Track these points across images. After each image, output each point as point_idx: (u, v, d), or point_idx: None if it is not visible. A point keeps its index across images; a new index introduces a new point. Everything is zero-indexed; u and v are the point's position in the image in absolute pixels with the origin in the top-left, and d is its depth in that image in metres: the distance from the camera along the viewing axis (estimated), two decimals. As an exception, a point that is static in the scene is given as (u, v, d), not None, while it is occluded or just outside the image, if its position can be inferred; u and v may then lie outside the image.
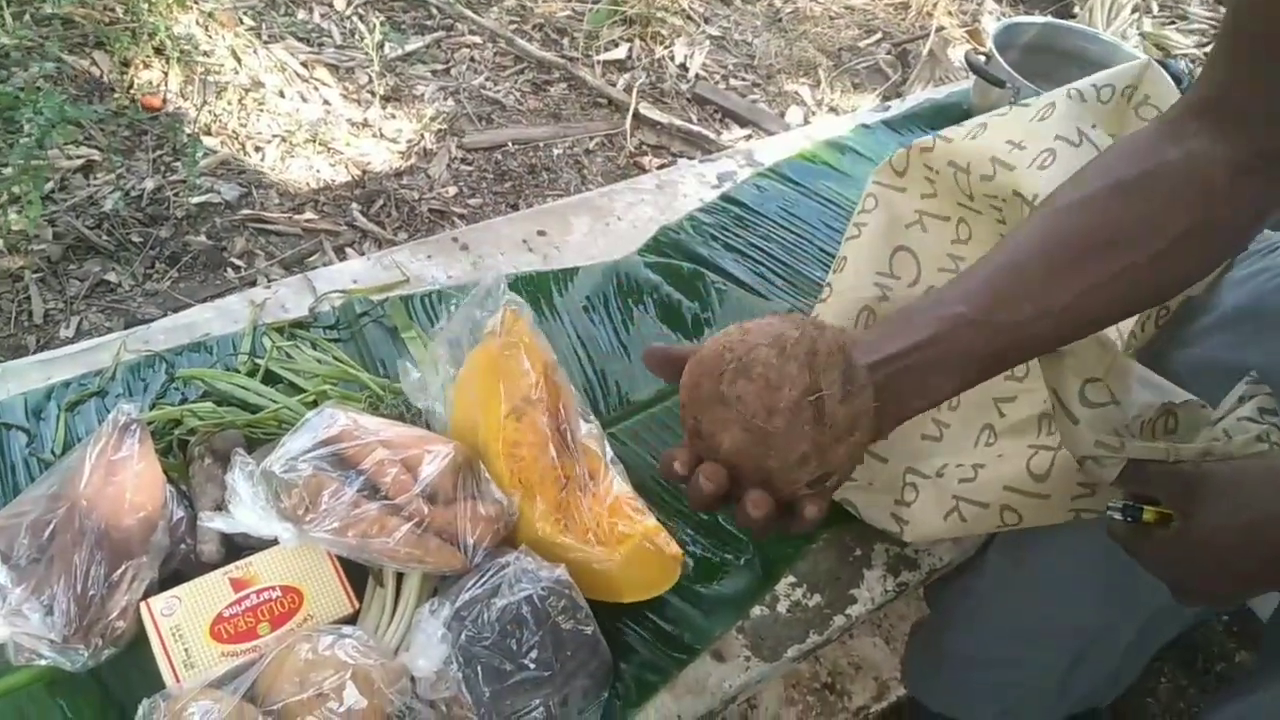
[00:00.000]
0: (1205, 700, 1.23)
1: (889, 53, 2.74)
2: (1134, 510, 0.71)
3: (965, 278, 0.66)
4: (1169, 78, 0.98)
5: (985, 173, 0.94)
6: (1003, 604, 1.05)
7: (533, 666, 0.79)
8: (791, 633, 0.95)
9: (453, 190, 2.06)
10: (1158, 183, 0.64)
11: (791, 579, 0.98)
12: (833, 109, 2.56)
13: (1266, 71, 0.62)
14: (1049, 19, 1.62)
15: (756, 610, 0.95)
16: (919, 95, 1.60)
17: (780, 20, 2.76)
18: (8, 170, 1.64)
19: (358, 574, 0.85)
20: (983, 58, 1.44)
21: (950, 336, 0.63)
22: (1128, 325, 1.03)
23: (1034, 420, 0.88)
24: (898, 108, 1.54)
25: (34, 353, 1.56)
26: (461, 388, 0.88)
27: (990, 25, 2.89)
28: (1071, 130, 0.93)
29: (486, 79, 2.31)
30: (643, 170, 2.20)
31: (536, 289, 1.15)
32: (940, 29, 2.74)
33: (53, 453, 0.91)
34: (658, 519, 0.89)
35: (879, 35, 2.79)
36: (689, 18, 2.65)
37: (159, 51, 2.01)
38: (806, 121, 2.48)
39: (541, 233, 1.22)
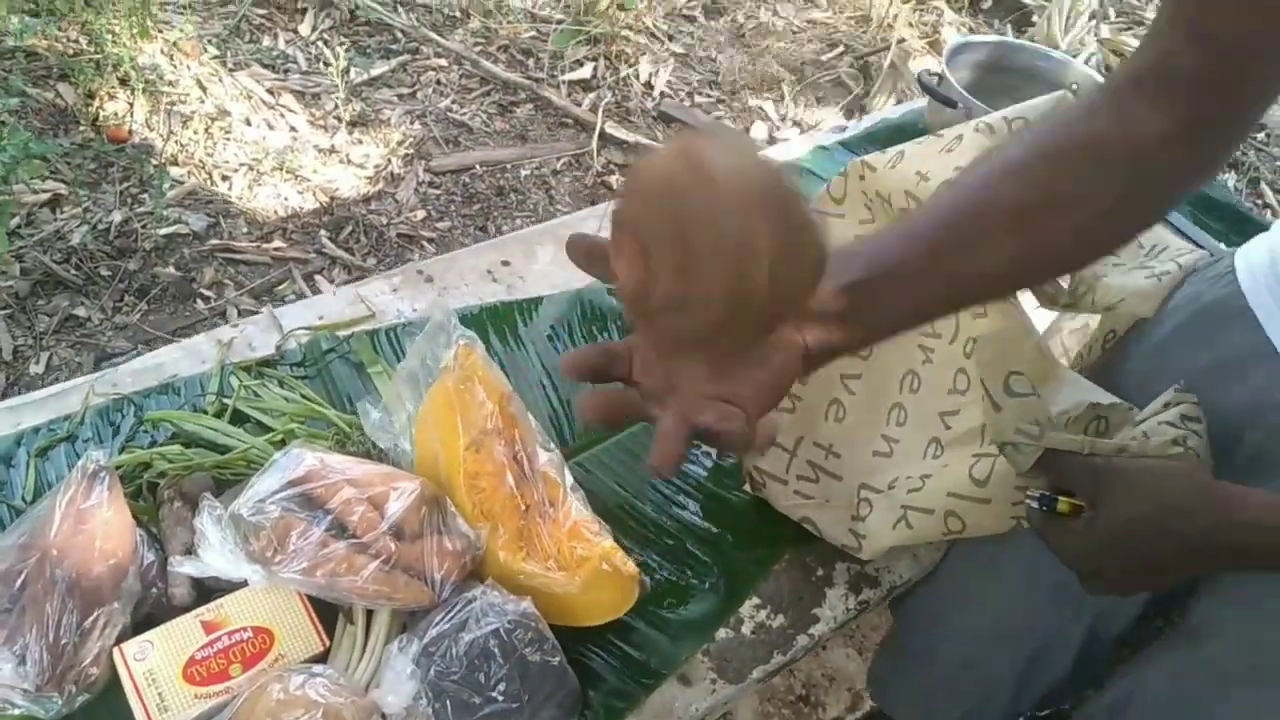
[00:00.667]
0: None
1: (851, 66, 2.78)
2: (1049, 500, 0.75)
3: (900, 223, 0.68)
4: None
5: (901, 205, 0.97)
6: (958, 607, 1.08)
7: (501, 699, 0.80)
8: (756, 654, 0.97)
9: (421, 214, 2.08)
10: (1088, 151, 0.65)
11: (756, 600, 1.00)
12: (797, 123, 2.59)
13: (1202, 39, 0.63)
14: (1002, 38, 1.66)
15: (722, 633, 0.97)
16: (875, 116, 1.63)
17: (743, 36, 2.80)
18: (-27, 207, 1.64)
19: (329, 612, 0.87)
20: (935, 78, 1.47)
21: (886, 281, 0.61)
22: (1074, 346, 1.06)
23: (976, 431, 0.91)
24: (854, 129, 1.57)
25: (3, 389, 1.57)
26: (423, 424, 0.90)
27: (950, 37, 2.94)
28: None
29: (453, 101, 2.33)
30: (610, 189, 2.22)
31: (501, 319, 1.17)
32: (901, 41, 2.78)
33: (24, 499, 0.92)
34: (616, 540, 0.92)
35: (841, 49, 2.83)
36: (653, 35, 2.68)
37: (124, 82, 2.01)
38: (771, 137, 2.51)
39: (505, 262, 1.24)
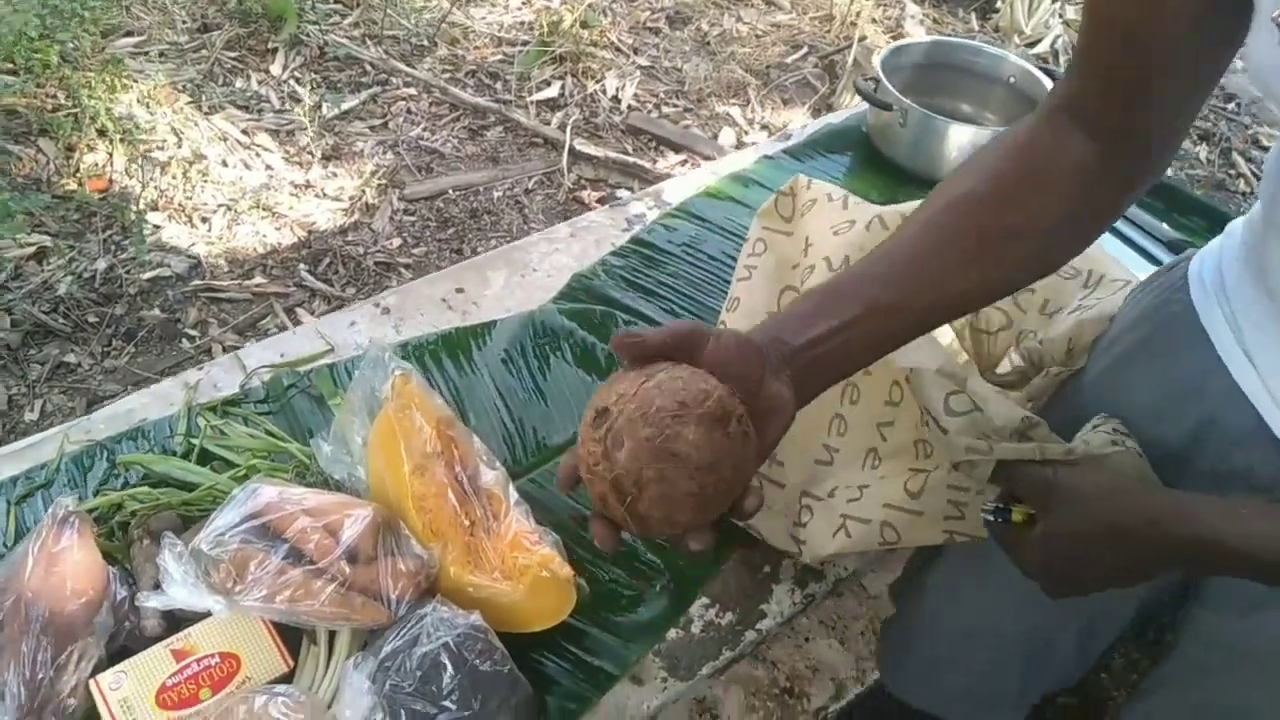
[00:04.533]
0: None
1: (816, 66, 2.82)
2: (1004, 512, 0.77)
3: (872, 264, 0.73)
4: None
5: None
6: (957, 607, 1.11)
7: (454, 707, 0.86)
8: (706, 651, 1.02)
9: (397, 241, 2.14)
10: (1038, 174, 0.71)
11: (705, 600, 1.05)
12: (764, 127, 2.64)
13: (1096, 73, 0.70)
14: (939, 37, 1.70)
15: (672, 632, 1.02)
16: (817, 122, 1.68)
17: (708, 44, 2.85)
18: (-40, 266, 1.71)
19: (294, 634, 0.92)
20: (872, 84, 1.52)
21: (868, 319, 0.69)
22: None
23: (910, 445, 0.96)
24: (797, 136, 1.62)
25: (0, 440, 1.64)
26: (372, 452, 0.96)
27: (885, 45, 2.98)
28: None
29: (424, 129, 2.39)
30: (583, 205, 2.28)
31: (456, 346, 1.22)
32: (863, 38, 2.83)
33: (4, 545, 0.98)
34: (568, 549, 0.97)
35: (805, 50, 2.88)
36: (618, 50, 2.73)
37: (102, 134, 2.08)
38: (739, 142, 2.56)
39: (460, 290, 1.30)
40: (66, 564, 0.87)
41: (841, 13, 2.96)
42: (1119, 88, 0.69)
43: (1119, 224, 1.51)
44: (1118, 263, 1.09)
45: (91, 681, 0.85)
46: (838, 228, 1.06)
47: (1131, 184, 0.74)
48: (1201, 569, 0.79)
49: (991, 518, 0.78)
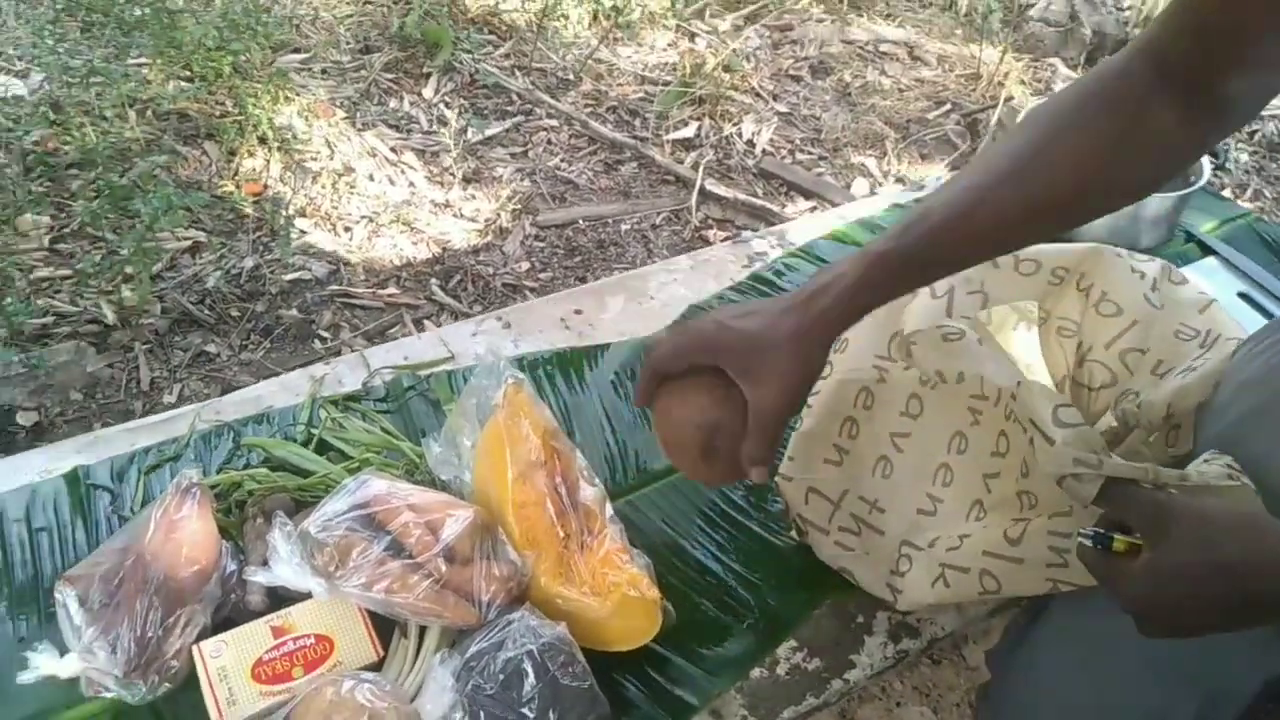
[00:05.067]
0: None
1: (958, 123, 2.79)
2: (1105, 538, 0.72)
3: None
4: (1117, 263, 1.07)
5: None
6: (1058, 679, 1.06)
7: (531, 715, 0.86)
8: (789, 694, 1.00)
9: (525, 265, 2.19)
10: (1126, 136, 0.76)
11: (793, 643, 1.03)
12: (900, 180, 2.61)
13: (1194, 29, 0.71)
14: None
15: (756, 672, 1.01)
16: (953, 175, 1.65)
17: (849, 95, 2.84)
18: (123, 252, 1.83)
19: (387, 626, 0.95)
20: (1012, 139, 1.49)
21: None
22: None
23: (1014, 497, 0.93)
24: (931, 186, 1.60)
25: (140, 417, 1.74)
26: (479, 456, 0.98)
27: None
28: None
29: (561, 160, 2.45)
30: (707, 243, 2.29)
31: (569, 364, 1.25)
32: (1010, 99, 2.78)
33: (132, 511, 1.04)
34: (659, 577, 0.97)
35: (948, 106, 2.84)
36: (758, 95, 2.76)
37: (262, 141, 2.21)
38: (872, 193, 2.54)
39: (578, 311, 1.32)
40: (185, 532, 0.92)
41: (989, 72, 2.92)
42: (1211, 45, 0.70)
43: (1238, 282, 1.46)
44: (1238, 323, 1.04)
45: (194, 647, 0.89)
46: None
47: (1203, 142, 0.78)
48: None
49: (1089, 543, 0.73)
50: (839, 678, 1.02)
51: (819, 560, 1.07)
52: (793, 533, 1.10)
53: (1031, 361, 1.10)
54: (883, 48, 3.10)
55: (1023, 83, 2.95)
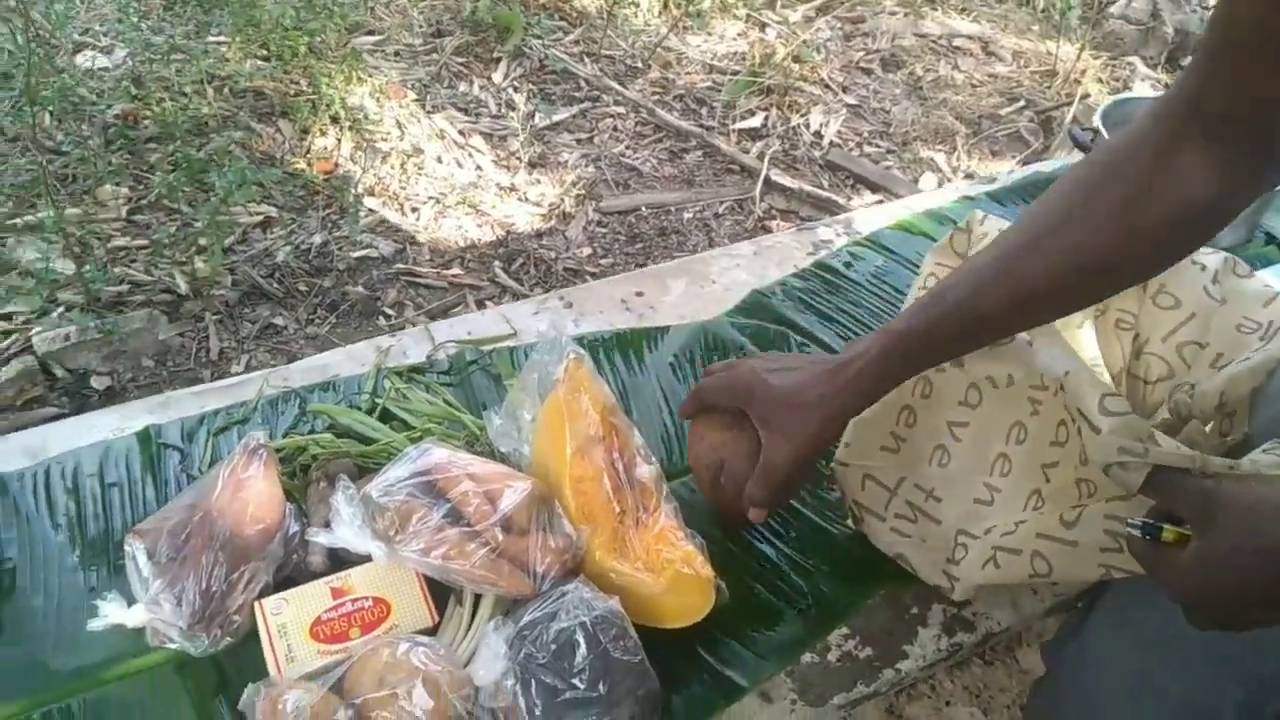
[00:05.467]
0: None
1: (1031, 120, 2.74)
2: (1153, 529, 0.71)
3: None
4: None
5: None
6: (1108, 666, 1.05)
7: (582, 687, 0.87)
8: (840, 681, 0.99)
9: (587, 250, 2.20)
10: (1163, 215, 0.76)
11: (845, 630, 1.03)
12: (969, 175, 2.57)
13: (1240, 90, 0.69)
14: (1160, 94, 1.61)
15: (807, 656, 1.00)
16: (1026, 169, 1.62)
17: (920, 89, 2.81)
18: (197, 224, 1.88)
19: (442, 592, 0.96)
20: (1090, 134, 1.46)
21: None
22: None
23: (1073, 484, 0.91)
24: (1003, 180, 1.57)
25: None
26: (539, 430, 0.99)
27: (1142, 92, 2.84)
28: None
29: (626, 147, 2.46)
30: (769, 233, 2.28)
31: (629, 345, 1.25)
32: (1086, 96, 2.72)
33: (200, 470, 1.07)
34: (711, 558, 0.97)
35: (1022, 103, 2.79)
36: (827, 87, 2.73)
37: (334, 120, 2.25)
38: (940, 187, 2.50)
39: (639, 293, 1.33)
40: (250, 491, 0.94)
41: (1065, 69, 2.86)
42: (1250, 92, 0.68)
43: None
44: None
45: (256, 604, 0.91)
46: None
47: (1259, 186, 0.77)
48: None
49: (1138, 532, 0.72)
50: (890, 667, 1.01)
51: (875, 551, 1.06)
52: (849, 521, 1.09)
53: (1094, 355, 1.07)
54: (956, 42, 3.05)
55: (1100, 81, 2.89)
